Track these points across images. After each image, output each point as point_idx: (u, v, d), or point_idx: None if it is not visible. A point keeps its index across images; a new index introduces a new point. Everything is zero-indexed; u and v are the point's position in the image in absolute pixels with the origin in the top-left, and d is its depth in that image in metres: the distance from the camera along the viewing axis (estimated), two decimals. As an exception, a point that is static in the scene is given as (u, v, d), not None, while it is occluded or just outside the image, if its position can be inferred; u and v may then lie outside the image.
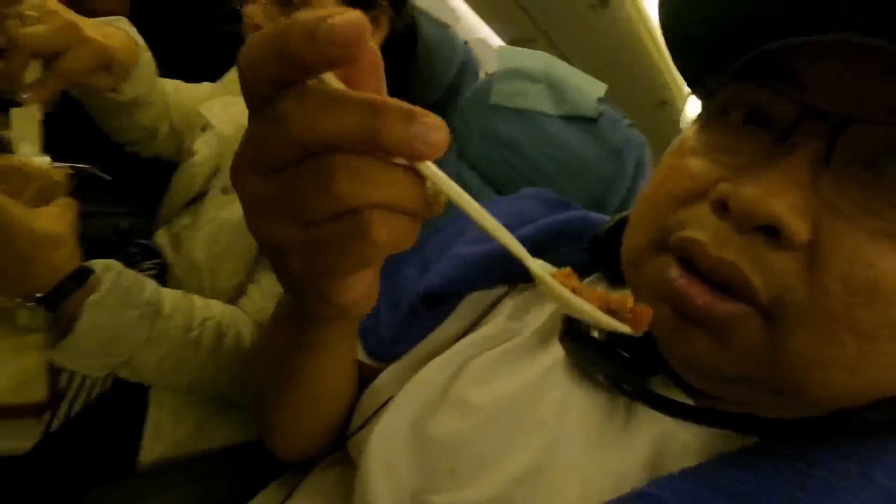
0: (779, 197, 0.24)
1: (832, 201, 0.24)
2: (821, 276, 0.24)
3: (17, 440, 0.53)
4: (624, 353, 0.32)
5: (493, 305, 0.47)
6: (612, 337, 0.33)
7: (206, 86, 0.83)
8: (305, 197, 0.19)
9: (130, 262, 0.74)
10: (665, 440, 0.32)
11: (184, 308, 0.55)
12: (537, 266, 0.24)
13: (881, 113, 0.23)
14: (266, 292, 0.61)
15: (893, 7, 0.22)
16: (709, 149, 0.28)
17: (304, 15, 0.17)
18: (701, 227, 0.26)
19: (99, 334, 0.47)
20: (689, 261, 0.27)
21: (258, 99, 0.20)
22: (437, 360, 0.44)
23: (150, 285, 0.53)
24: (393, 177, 0.19)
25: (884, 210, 0.23)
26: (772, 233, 0.24)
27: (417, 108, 0.19)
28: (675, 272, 0.27)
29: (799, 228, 0.24)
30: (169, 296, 0.55)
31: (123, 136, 0.78)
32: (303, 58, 0.18)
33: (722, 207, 0.25)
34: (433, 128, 0.18)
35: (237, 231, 0.61)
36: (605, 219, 0.46)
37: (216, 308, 0.58)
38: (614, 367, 0.33)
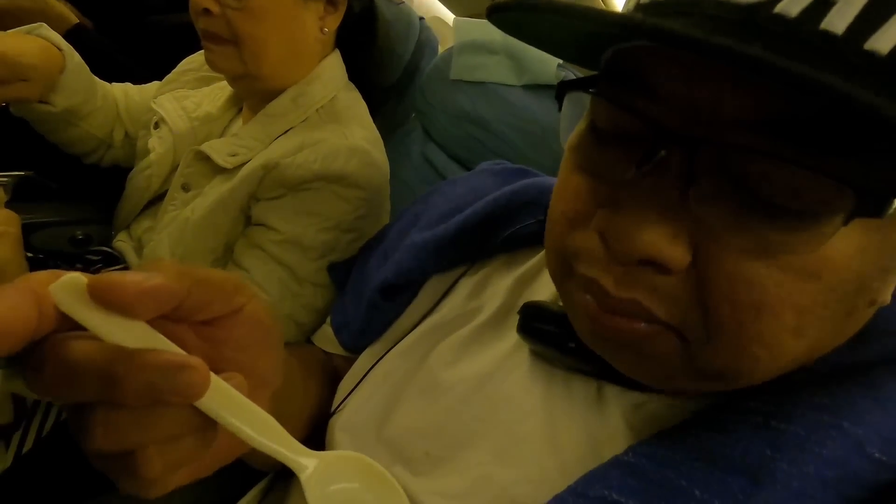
0: (647, 229, 0.23)
1: (703, 219, 0.23)
2: (708, 299, 0.24)
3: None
4: (571, 345, 0.33)
5: (451, 287, 0.47)
6: (562, 329, 0.33)
7: (153, 85, 0.80)
8: (80, 441, 0.20)
9: (91, 271, 0.71)
10: (637, 406, 0.32)
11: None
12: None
13: (733, 129, 0.22)
14: None
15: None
16: (588, 163, 0.27)
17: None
18: (594, 261, 0.26)
19: None
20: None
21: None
22: (397, 349, 0.44)
23: None
24: (152, 418, 0.20)
25: (752, 226, 0.22)
26: (655, 262, 0.24)
27: (168, 359, 0.19)
28: (587, 298, 0.27)
29: (675, 257, 0.23)
30: None
31: (76, 149, 0.74)
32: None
33: (604, 240, 0.25)
34: (180, 377, 0.19)
35: (201, 229, 0.59)
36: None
37: None
38: (566, 357, 0.34)
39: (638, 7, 0.26)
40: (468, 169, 0.96)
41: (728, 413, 0.28)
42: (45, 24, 0.63)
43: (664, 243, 0.23)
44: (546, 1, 0.22)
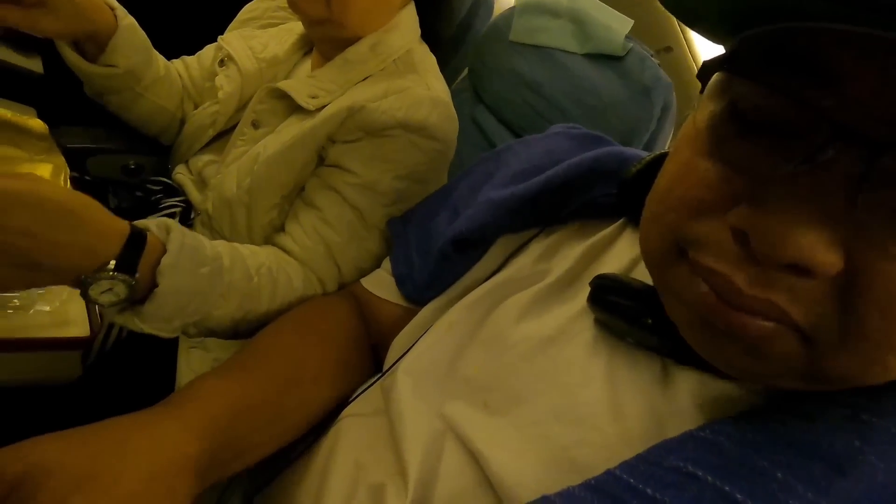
0: (804, 232, 0.21)
1: (866, 226, 0.21)
2: (857, 306, 0.22)
3: (61, 371, 0.54)
4: (648, 321, 0.33)
5: (521, 247, 0.48)
6: (638, 304, 0.33)
7: (209, 49, 0.80)
8: None
9: (153, 201, 0.73)
10: (707, 387, 0.31)
11: (239, 258, 0.54)
12: None
13: None
14: (308, 230, 0.60)
15: None
16: (723, 150, 0.25)
17: None
18: (721, 254, 0.24)
19: (178, 297, 0.45)
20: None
21: None
22: (464, 301, 0.45)
23: (206, 240, 0.51)
24: None
25: None
26: (801, 267, 0.22)
27: None
28: (703, 287, 0.25)
29: (829, 263, 0.22)
30: (222, 248, 0.53)
31: (152, 127, 0.76)
32: None
33: (741, 235, 0.23)
34: None
35: (274, 164, 0.60)
36: (640, 155, 0.44)
37: (262, 254, 0.58)
38: (639, 332, 0.34)
39: None
40: (518, 135, 0.96)
41: (813, 402, 0.27)
42: None
43: (820, 249, 0.21)
44: None
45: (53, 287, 0.53)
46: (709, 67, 0.26)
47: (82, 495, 0.26)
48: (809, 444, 0.25)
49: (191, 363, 0.64)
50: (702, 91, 0.27)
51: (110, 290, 0.42)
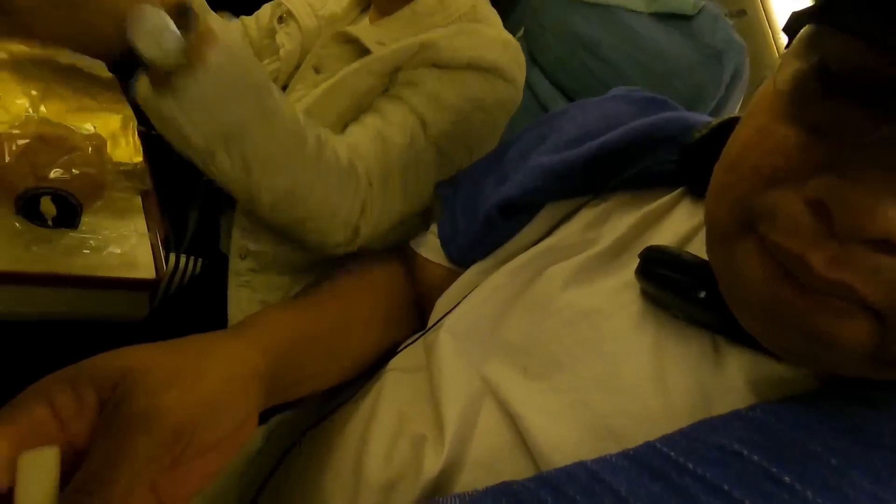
0: (894, 205, 0.20)
1: None
2: None
3: (131, 309, 0.59)
4: (700, 295, 0.31)
5: (570, 214, 0.46)
6: (690, 278, 0.32)
7: (266, 7, 0.80)
8: None
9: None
10: (760, 368, 0.30)
11: (288, 102, 0.53)
12: None
13: None
14: (369, 128, 0.59)
15: None
16: (803, 114, 0.23)
17: None
18: (794, 230, 0.23)
19: (224, 82, 0.43)
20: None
21: None
22: (509, 266, 0.45)
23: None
24: None
25: None
26: (885, 241, 0.20)
27: None
28: (771, 267, 0.24)
29: None
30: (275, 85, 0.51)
31: None
32: None
33: (820, 208, 0.22)
34: None
35: (336, 89, 0.60)
36: (706, 120, 0.42)
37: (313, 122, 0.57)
38: (690, 307, 0.32)
39: None
40: (571, 99, 0.92)
41: (877, 390, 0.26)
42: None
43: None
44: None
45: (124, 231, 0.57)
46: (799, 18, 0.24)
47: (174, 389, 0.28)
48: (871, 432, 0.24)
49: (240, 302, 0.68)
50: (787, 46, 0.25)
51: (158, 40, 0.38)
